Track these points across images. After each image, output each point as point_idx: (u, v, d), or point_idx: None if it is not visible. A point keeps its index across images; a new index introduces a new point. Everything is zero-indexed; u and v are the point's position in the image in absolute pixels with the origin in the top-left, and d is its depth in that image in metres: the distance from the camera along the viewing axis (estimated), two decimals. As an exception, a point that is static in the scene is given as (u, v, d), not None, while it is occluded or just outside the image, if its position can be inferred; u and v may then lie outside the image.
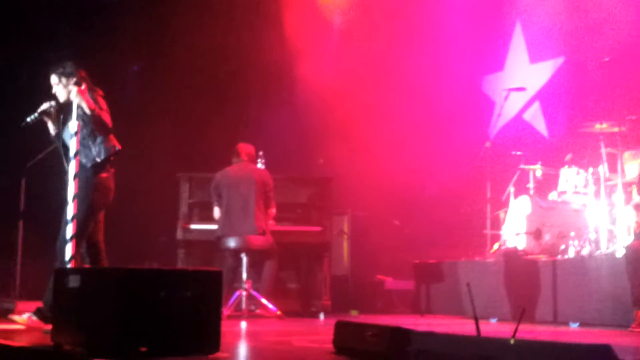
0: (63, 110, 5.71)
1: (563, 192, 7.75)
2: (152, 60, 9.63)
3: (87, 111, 5.38)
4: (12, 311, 6.77)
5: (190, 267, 7.07)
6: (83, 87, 5.42)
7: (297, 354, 4.39)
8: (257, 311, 7.46)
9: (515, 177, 8.12)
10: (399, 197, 9.42)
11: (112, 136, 5.66)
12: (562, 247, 7.34)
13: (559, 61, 9.54)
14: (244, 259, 7.48)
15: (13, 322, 5.39)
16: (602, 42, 8.42)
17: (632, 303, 5.87)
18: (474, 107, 10.13)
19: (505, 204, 8.11)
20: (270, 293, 7.56)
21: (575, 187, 7.67)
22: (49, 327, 4.40)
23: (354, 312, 8.29)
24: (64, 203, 5.56)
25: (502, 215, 8.14)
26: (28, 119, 5.61)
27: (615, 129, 7.25)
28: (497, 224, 8.19)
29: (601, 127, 7.34)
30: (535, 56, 9.87)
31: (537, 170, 7.99)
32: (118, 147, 5.69)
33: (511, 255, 7.53)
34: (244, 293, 7.40)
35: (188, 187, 8.31)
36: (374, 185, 9.20)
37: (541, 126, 9.71)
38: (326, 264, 8.38)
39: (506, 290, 7.27)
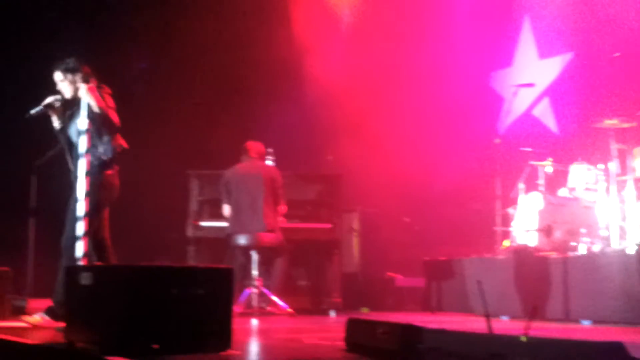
0: (69, 106, 5.71)
1: (573, 189, 7.73)
2: (161, 58, 9.64)
3: (96, 109, 5.38)
4: (24, 308, 6.82)
5: (202, 264, 7.07)
6: (92, 84, 5.43)
7: (308, 351, 4.39)
8: (268, 309, 7.47)
9: (525, 174, 8.10)
10: (409, 194, 9.41)
11: (118, 135, 5.66)
12: (573, 244, 7.31)
13: (568, 57, 9.50)
14: (254, 256, 7.49)
15: (26, 322, 5.40)
16: (612, 37, 8.39)
17: (643, 300, 5.85)
18: (483, 104, 10.11)
19: (515, 201, 8.09)
20: (281, 290, 7.57)
21: (586, 183, 7.65)
22: (62, 324, 4.41)
23: (364, 310, 8.30)
24: (68, 200, 5.59)
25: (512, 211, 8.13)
26: (32, 111, 5.60)
27: (626, 125, 7.24)
28: (507, 220, 8.17)
29: (611, 122, 7.31)
30: (545, 52, 9.84)
31: (547, 166, 7.97)
32: (125, 146, 5.70)
33: (522, 252, 7.51)
34: (255, 290, 7.41)
35: (198, 184, 8.33)
36: (384, 182, 9.19)
37: (551, 122, 9.68)
38: (336, 261, 8.38)
39: (517, 288, 7.25)
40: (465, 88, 9.94)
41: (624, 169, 7.31)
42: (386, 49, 9.72)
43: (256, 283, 7.44)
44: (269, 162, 7.91)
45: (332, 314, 7.76)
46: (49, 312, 5.47)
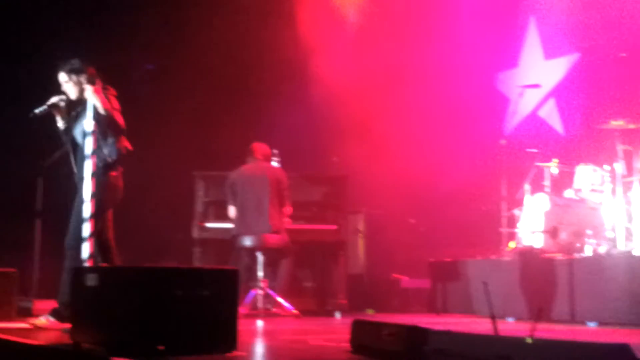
0: (73, 107, 5.71)
1: (579, 190, 7.71)
2: (167, 59, 9.65)
3: (102, 111, 5.38)
4: (30, 309, 6.84)
5: (207, 265, 7.09)
6: (97, 86, 5.43)
7: (313, 352, 4.39)
8: (273, 310, 7.47)
9: (530, 175, 8.08)
10: (415, 195, 9.41)
11: (123, 137, 5.67)
12: (579, 245, 7.30)
13: (574, 57, 9.49)
14: (260, 257, 7.50)
15: (32, 325, 5.40)
16: (618, 38, 8.38)
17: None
18: (488, 105, 10.10)
19: (520, 202, 8.08)
20: (286, 292, 7.58)
21: (592, 184, 7.63)
22: (68, 326, 4.42)
23: (369, 311, 8.30)
24: (71, 202, 5.59)
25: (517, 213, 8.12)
26: (36, 111, 5.60)
27: (632, 126, 7.23)
28: (512, 222, 8.16)
29: (617, 123, 7.30)
30: (550, 52, 9.83)
31: (553, 167, 7.96)
32: (129, 147, 5.70)
33: (527, 254, 7.50)
34: (260, 292, 7.41)
35: (203, 185, 8.34)
36: (389, 184, 9.19)
37: (556, 123, 9.67)
38: (342, 263, 8.38)
39: (522, 289, 7.24)
40: (470, 89, 9.93)
41: (630, 170, 7.30)
42: (392, 50, 9.72)
43: (261, 284, 7.45)
44: (275, 164, 7.92)
45: (338, 315, 7.76)
46: (54, 313, 5.47)
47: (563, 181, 7.95)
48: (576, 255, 7.12)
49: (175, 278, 3.88)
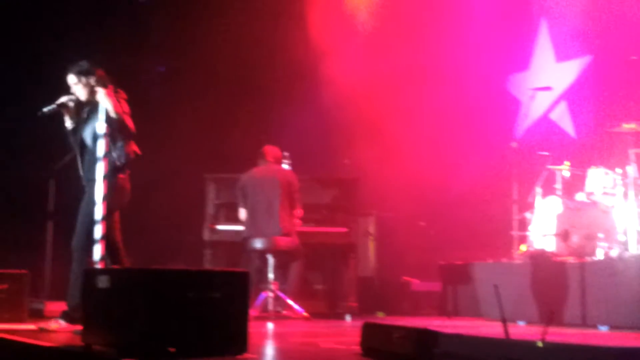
0: (83, 108, 5.72)
1: (591, 193, 7.68)
2: (178, 61, 9.69)
3: (113, 115, 5.39)
4: (41, 311, 6.87)
5: (218, 268, 7.10)
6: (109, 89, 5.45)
7: (323, 355, 4.40)
8: (284, 312, 7.48)
9: (542, 178, 8.06)
10: (425, 198, 9.39)
11: (132, 141, 5.67)
12: (590, 248, 7.27)
13: (585, 60, 9.46)
14: (270, 260, 7.50)
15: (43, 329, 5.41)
16: (630, 40, 8.34)
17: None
18: (500, 107, 10.07)
19: (532, 205, 8.05)
20: (297, 294, 7.58)
21: (604, 187, 7.60)
22: (79, 327, 4.44)
23: (380, 314, 8.29)
24: (79, 204, 5.61)
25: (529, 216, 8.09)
26: (45, 109, 5.60)
27: (644, 129, 7.19)
28: (523, 225, 8.14)
29: (629, 127, 7.27)
30: (562, 55, 9.79)
31: (564, 170, 7.93)
32: (138, 152, 5.71)
33: (539, 257, 7.47)
34: (271, 294, 7.42)
35: (214, 188, 8.36)
36: (400, 186, 9.18)
37: (568, 126, 9.64)
38: (352, 265, 8.38)
39: (534, 293, 7.22)
40: (482, 91, 9.91)
41: (642, 173, 7.26)
42: (403, 53, 9.71)
43: (272, 287, 7.45)
44: (286, 166, 7.93)
45: (348, 318, 7.76)
46: (65, 316, 5.48)
47: (574, 184, 7.92)
48: (588, 259, 7.09)
49: (186, 280, 3.90)
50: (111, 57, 6.77)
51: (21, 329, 5.44)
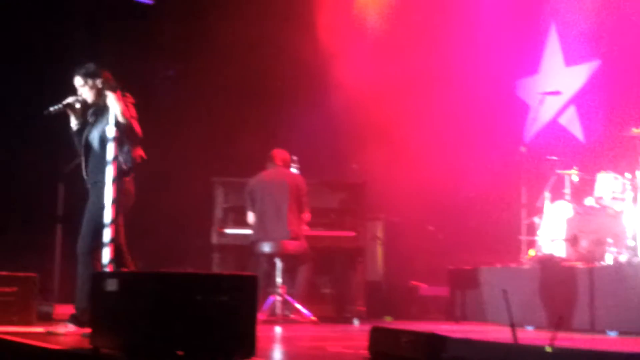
0: (89, 110, 5.73)
1: (600, 198, 7.66)
2: (186, 65, 9.70)
3: (121, 119, 5.40)
4: (50, 314, 6.89)
5: (226, 271, 7.10)
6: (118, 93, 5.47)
7: (331, 359, 4.39)
8: (292, 316, 7.47)
9: (551, 182, 8.04)
10: (434, 202, 9.38)
11: (139, 146, 5.68)
12: (599, 253, 7.25)
13: (594, 64, 9.43)
14: (278, 264, 7.51)
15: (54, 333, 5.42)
16: (639, 45, 8.32)
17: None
18: (508, 111, 10.06)
19: (540, 210, 8.03)
20: (305, 298, 7.58)
21: (613, 192, 7.57)
22: (88, 330, 4.45)
23: (388, 318, 8.28)
24: (84, 207, 5.63)
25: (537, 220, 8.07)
26: (51, 109, 5.60)
27: (653, 134, 7.17)
28: (532, 229, 8.12)
29: (638, 131, 7.24)
30: (571, 59, 9.77)
31: (573, 175, 7.91)
32: (144, 157, 5.72)
33: (547, 262, 7.45)
34: (279, 298, 7.42)
35: (223, 191, 8.37)
36: (408, 191, 9.17)
37: (577, 130, 9.61)
38: (360, 270, 8.37)
39: (542, 298, 7.20)
40: (491, 96, 9.90)
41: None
42: (412, 56, 9.70)
43: (280, 290, 7.45)
44: (294, 170, 7.93)
45: (356, 322, 7.75)
46: (73, 319, 5.49)
47: (583, 189, 7.90)
48: (596, 264, 7.07)
49: (195, 284, 3.90)
50: (120, 61, 6.80)
51: (30, 332, 5.46)
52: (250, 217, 7.74)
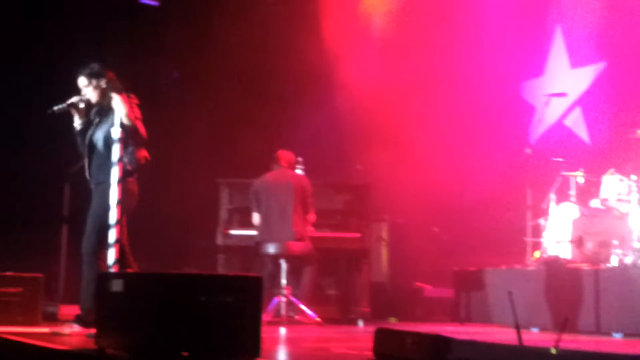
0: (92, 110, 5.74)
1: (605, 200, 7.64)
2: (191, 66, 9.72)
3: (126, 121, 5.40)
4: (56, 314, 6.90)
5: (231, 272, 7.11)
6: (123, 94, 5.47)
7: (336, 360, 4.39)
8: (296, 317, 7.48)
9: (556, 184, 8.03)
10: (438, 203, 9.37)
11: (143, 147, 5.68)
12: (605, 255, 7.23)
13: (600, 66, 9.42)
14: (283, 265, 7.51)
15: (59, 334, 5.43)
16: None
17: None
18: (514, 113, 10.05)
19: (545, 211, 8.02)
20: (309, 299, 7.58)
21: (618, 194, 7.56)
22: (93, 331, 4.46)
23: (392, 320, 8.27)
24: (88, 208, 5.63)
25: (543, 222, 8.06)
26: (55, 108, 5.61)
27: (659, 135, 7.16)
28: (537, 231, 8.11)
29: (644, 133, 7.24)
30: (576, 61, 9.76)
31: (579, 176, 7.90)
32: (148, 157, 5.72)
33: (552, 264, 7.44)
34: (283, 299, 7.42)
35: (228, 193, 8.37)
36: (413, 192, 9.17)
37: (582, 132, 9.60)
38: (365, 271, 8.37)
39: (547, 299, 7.19)
40: (496, 97, 9.89)
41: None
42: (417, 57, 9.71)
43: (285, 292, 7.46)
44: (299, 171, 7.94)
45: (360, 323, 7.75)
46: (78, 320, 5.49)
47: (589, 191, 7.89)
48: (602, 266, 7.06)
49: (199, 285, 3.90)
50: (126, 62, 6.81)
51: (35, 332, 5.47)
52: (256, 218, 7.75)
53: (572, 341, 5.45)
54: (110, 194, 5.12)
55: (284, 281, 7.48)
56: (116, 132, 5.23)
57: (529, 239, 8.14)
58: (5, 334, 5.10)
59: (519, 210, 8.41)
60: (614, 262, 7.10)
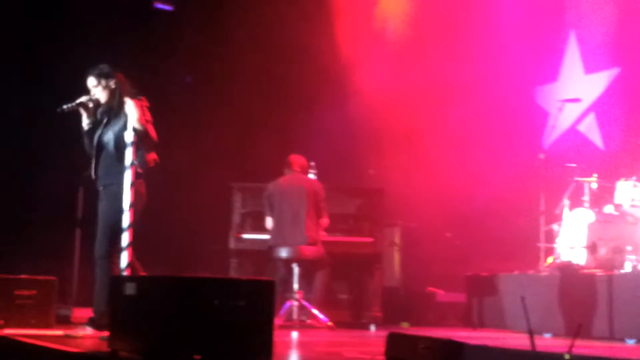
0: (101, 110, 5.77)
1: (619, 205, 7.61)
2: (204, 71, 9.75)
3: (137, 126, 5.42)
4: (69, 317, 6.93)
5: (244, 276, 7.13)
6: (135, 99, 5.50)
7: (348, 365, 4.39)
8: (308, 321, 7.48)
9: (570, 190, 8.00)
10: (451, 208, 9.36)
11: (153, 150, 5.69)
12: (619, 261, 7.20)
13: (614, 72, 9.39)
14: (296, 269, 7.52)
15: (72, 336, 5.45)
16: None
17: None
18: (528, 118, 10.03)
19: (559, 217, 7.99)
20: (322, 304, 7.58)
21: (632, 200, 7.53)
22: (106, 334, 4.48)
23: (404, 324, 8.26)
24: (97, 210, 5.66)
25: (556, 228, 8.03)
26: (64, 106, 5.62)
27: (673, 141, 7.12)
28: (551, 237, 8.08)
29: (658, 139, 7.21)
30: (590, 67, 9.73)
31: (593, 182, 7.87)
32: (157, 160, 5.73)
33: (566, 269, 7.41)
34: (295, 303, 7.43)
35: (241, 197, 8.39)
36: (426, 197, 9.16)
37: (596, 138, 9.57)
38: (377, 275, 8.36)
39: (561, 305, 7.16)
40: (510, 103, 9.87)
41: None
42: (431, 62, 9.70)
43: (297, 296, 7.46)
44: (312, 176, 7.95)
45: (373, 328, 7.74)
46: (91, 323, 5.51)
47: (603, 196, 7.86)
48: (615, 272, 7.02)
49: (212, 288, 3.91)
50: (140, 66, 6.84)
51: (48, 335, 5.50)
52: (268, 222, 7.76)
53: (586, 347, 5.43)
54: (121, 196, 5.14)
55: (296, 285, 7.49)
56: (129, 136, 5.26)
57: (542, 245, 8.12)
58: (19, 336, 5.13)
59: (532, 216, 8.38)
60: (627, 268, 7.06)
